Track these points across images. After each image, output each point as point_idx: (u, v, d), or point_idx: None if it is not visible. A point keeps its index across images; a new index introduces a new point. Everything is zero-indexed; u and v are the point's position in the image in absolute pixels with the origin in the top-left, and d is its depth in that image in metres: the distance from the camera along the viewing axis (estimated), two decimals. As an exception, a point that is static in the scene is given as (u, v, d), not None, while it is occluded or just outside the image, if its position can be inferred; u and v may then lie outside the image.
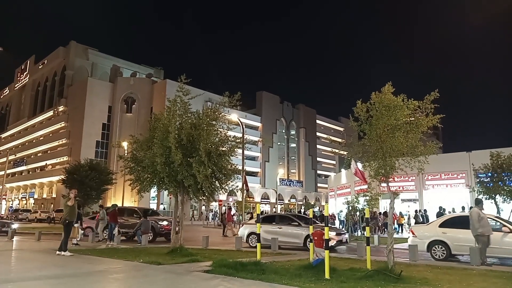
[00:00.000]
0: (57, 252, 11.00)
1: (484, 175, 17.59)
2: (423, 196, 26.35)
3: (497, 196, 17.00)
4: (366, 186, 9.65)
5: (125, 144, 18.87)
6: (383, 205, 25.99)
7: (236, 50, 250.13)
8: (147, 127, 12.61)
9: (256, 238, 14.92)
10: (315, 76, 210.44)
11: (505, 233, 10.95)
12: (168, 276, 7.75)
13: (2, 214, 44.94)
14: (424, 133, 8.48)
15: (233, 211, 33.27)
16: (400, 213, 26.46)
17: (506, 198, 16.73)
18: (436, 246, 11.93)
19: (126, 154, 13.38)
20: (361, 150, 9.06)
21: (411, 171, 8.38)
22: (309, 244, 13.76)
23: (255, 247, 14.53)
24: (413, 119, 8.30)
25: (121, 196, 39.03)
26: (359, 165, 22.65)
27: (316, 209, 56.47)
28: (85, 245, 14.98)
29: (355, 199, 22.66)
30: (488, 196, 17.34)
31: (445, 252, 11.72)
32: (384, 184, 8.41)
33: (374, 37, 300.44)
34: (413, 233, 12.80)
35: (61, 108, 67.25)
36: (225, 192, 12.77)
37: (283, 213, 37.98)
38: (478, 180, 17.98)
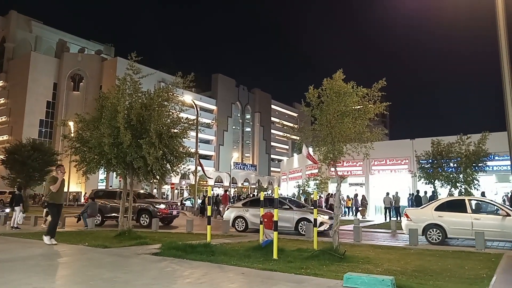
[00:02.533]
0: (44, 237, 9.50)
1: (425, 161, 18.64)
2: (369, 181, 27.55)
3: (436, 181, 18.16)
4: (316, 170, 9.91)
5: (71, 124, 17.93)
6: (332, 189, 26.89)
7: (192, 29, 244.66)
8: (95, 106, 12.01)
9: (242, 222, 15.00)
10: (271, 61, 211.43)
11: (503, 217, 11.03)
12: (114, 259, 7.56)
13: None
14: (372, 120, 8.82)
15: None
16: (348, 196, 27.58)
17: (444, 183, 17.89)
18: (432, 229, 11.85)
19: (71, 134, 12.73)
20: (311, 135, 9.27)
21: (358, 156, 8.72)
22: (300, 228, 13.93)
23: (242, 231, 14.60)
24: (361, 106, 8.58)
25: (67, 178, 37.35)
26: (310, 150, 23.18)
27: (269, 192, 57.63)
28: (26, 228, 14.25)
29: (305, 183, 23.28)
30: (428, 181, 18.50)
31: (440, 235, 11.69)
32: (333, 168, 8.68)
33: (329, 24, 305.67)
34: (407, 217, 12.47)
35: (0, 83, 62.58)
36: (177, 174, 12.57)
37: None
38: (419, 166, 19.06)
